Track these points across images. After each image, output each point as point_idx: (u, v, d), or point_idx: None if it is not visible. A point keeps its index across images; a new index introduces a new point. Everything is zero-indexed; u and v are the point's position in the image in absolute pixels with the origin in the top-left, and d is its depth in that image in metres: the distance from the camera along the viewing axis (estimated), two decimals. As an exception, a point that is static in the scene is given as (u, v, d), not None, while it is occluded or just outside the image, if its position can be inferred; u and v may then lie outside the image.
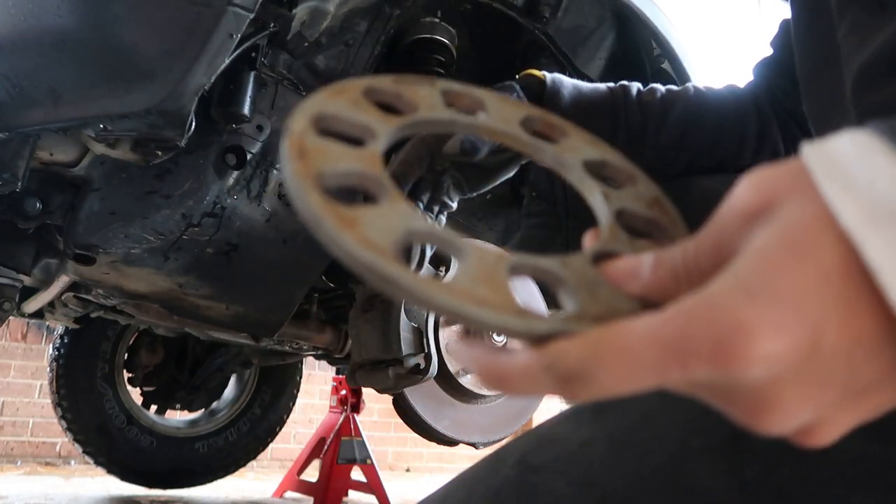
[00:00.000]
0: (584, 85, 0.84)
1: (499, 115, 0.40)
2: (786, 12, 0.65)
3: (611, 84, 0.85)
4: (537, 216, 1.80)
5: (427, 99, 0.39)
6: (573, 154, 0.40)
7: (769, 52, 0.89)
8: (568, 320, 0.29)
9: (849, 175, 0.25)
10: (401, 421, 1.28)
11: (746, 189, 0.27)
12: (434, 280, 0.29)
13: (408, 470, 4.76)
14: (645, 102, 0.84)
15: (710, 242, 0.28)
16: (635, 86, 0.85)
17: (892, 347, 0.24)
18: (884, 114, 0.41)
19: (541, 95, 0.83)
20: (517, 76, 0.86)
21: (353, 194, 0.36)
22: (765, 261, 0.24)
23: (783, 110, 0.85)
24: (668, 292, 0.28)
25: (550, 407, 5.46)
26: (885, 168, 0.24)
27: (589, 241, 0.34)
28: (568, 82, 0.84)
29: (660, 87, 0.86)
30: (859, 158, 0.25)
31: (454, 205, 0.84)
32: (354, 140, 0.34)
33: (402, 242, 0.30)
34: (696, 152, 0.83)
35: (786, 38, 0.85)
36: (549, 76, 0.83)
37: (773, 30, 0.89)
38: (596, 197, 0.38)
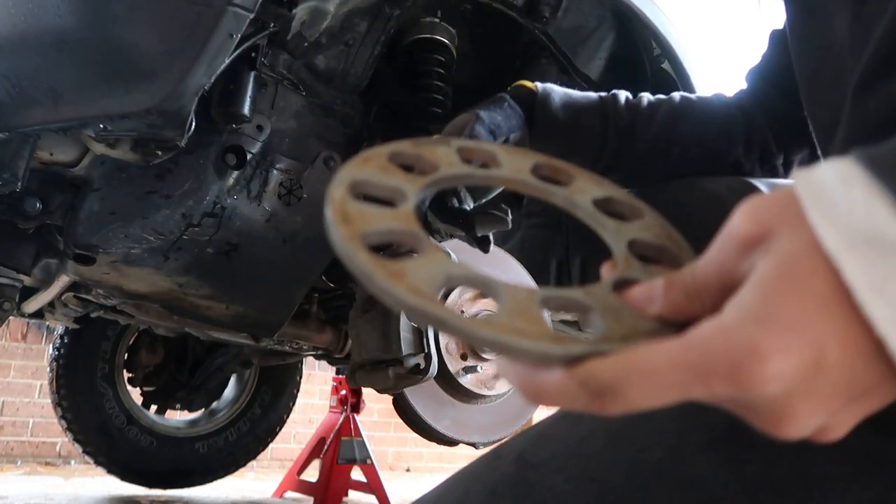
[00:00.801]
0: (575, 92, 0.87)
1: (511, 165, 0.45)
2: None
3: (601, 93, 0.89)
4: (537, 216, 1.81)
5: (445, 157, 0.44)
6: (582, 195, 0.44)
7: (757, 61, 0.92)
8: (598, 342, 0.32)
9: (831, 204, 0.27)
10: (401, 421, 1.28)
11: (744, 218, 0.30)
12: (476, 319, 0.33)
13: (408, 470, 4.76)
14: (633, 104, 0.87)
15: (715, 265, 0.31)
16: (623, 93, 0.89)
17: (881, 356, 0.27)
18: (880, 115, 0.41)
19: (532, 105, 0.85)
20: (508, 88, 0.87)
21: (387, 248, 0.41)
22: (767, 290, 0.27)
23: (771, 115, 0.87)
24: (683, 310, 0.32)
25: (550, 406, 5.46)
26: (862, 197, 0.26)
27: (606, 271, 0.37)
28: (558, 89, 0.87)
29: (647, 94, 0.89)
30: (840, 188, 0.27)
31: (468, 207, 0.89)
32: (387, 201, 0.39)
33: (443, 287, 0.35)
34: (686, 144, 0.85)
35: (774, 49, 0.87)
36: (539, 86, 0.86)
37: (768, 34, 0.91)
38: (608, 231, 0.41)
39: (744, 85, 0.92)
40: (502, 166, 0.45)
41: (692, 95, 0.91)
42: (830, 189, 0.27)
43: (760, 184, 0.74)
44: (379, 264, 0.34)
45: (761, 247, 0.29)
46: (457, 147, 0.45)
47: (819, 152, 0.61)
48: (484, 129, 0.79)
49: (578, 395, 0.30)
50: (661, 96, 0.89)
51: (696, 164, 0.83)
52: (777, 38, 0.88)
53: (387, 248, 0.91)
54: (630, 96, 0.89)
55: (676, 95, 0.90)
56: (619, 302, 0.35)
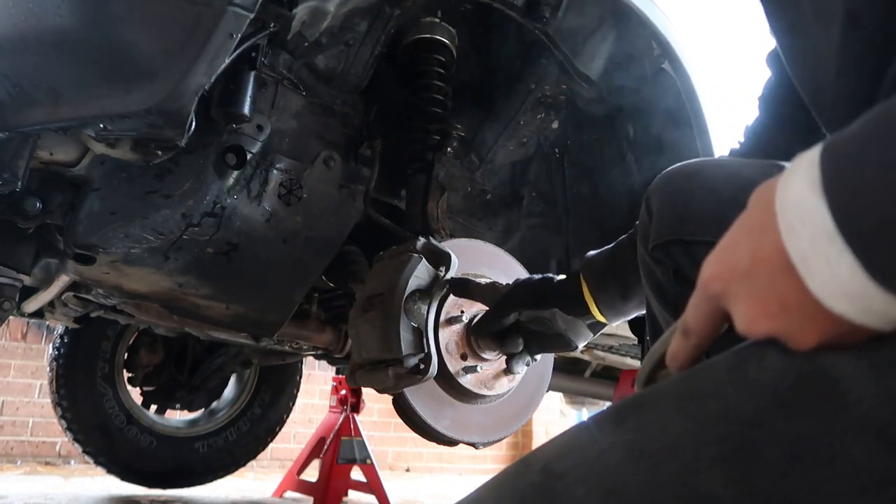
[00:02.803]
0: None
1: None
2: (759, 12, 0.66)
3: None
4: (537, 216, 1.80)
5: None
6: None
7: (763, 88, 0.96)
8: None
9: (789, 177, 0.38)
10: (401, 421, 1.28)
11: (750, 205, 0.42)
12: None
13: (408, 470, 4.76)
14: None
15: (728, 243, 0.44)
16: None
17: (794, 276, 0.36)
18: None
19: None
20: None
21: None
22: (729, 232, 0.42)
23: (796, 128, 0.90)
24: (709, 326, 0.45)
25: (550, 406, 5.46)
26: (803, 172, 0.37)
27: None
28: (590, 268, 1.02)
29: None
30: (803, 164, 0.37)
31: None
32: None
33: None
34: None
35: (774, 70, 0.91)
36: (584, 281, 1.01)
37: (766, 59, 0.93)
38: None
39: (755, 112, 0.95)
40: None
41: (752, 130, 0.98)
42: (798, 167, 0.37)
43: None
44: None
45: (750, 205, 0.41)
46: None
47: None
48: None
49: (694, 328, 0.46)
50: None
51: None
52: (773, 58, 0.90)
53: None
54: None
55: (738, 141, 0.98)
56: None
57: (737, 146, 0.98)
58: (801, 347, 0.37)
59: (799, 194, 0.36)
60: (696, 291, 0.44)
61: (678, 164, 0.83)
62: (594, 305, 1.00)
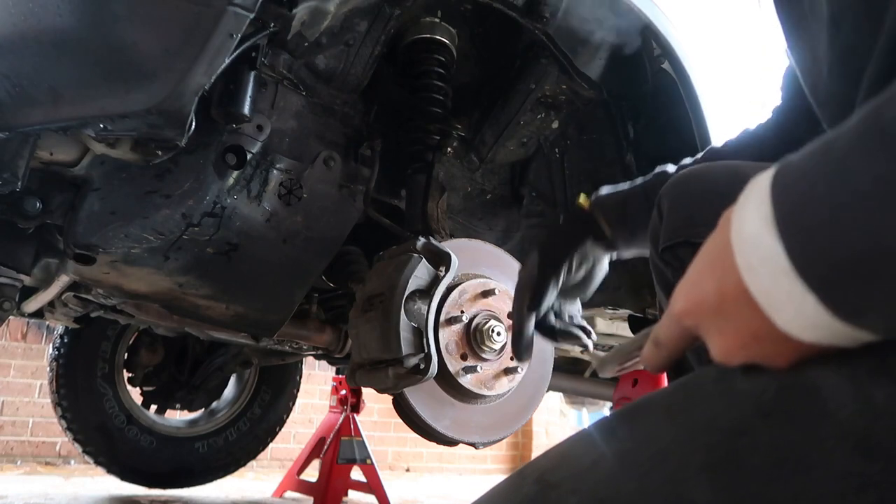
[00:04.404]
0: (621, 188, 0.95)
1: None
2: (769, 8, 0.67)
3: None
4: (537, 216, 1.80)
5: None
6: None
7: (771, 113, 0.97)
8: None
9: (743, 207, 0.39)
10: (401, 421, 1.28)
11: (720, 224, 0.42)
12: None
13: (407, 470, 4.76)
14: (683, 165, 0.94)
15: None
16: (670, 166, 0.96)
17: (761, 312, 0.37)
18: None
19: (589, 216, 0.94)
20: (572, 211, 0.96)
21: None
22: (693, 265, 0.43)
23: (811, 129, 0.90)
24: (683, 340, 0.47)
25: (550, 406, 5.46)
26: (755, 203, 0.37)
27: None
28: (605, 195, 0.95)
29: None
30: (755, 192, 0.38)
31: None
32: None
33: None
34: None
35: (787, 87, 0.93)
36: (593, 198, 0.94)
37: (773, 43, 0.93)
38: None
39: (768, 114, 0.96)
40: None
41: (738, 133, 0.97)
42: (751, 195, 0.38)
43: None
44: None
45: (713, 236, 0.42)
46: None
47: None
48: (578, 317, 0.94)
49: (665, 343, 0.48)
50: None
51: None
52: (789, 77, 0.92)
53: None
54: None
55: (723, 141, 0.97)
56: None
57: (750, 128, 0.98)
58: (778, 367, 0.39)
59: (754, 230, 0.37)
60: (667, 316, 0.45)
61: (690, 167, 0.84)
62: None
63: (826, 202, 0.34)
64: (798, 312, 0.35)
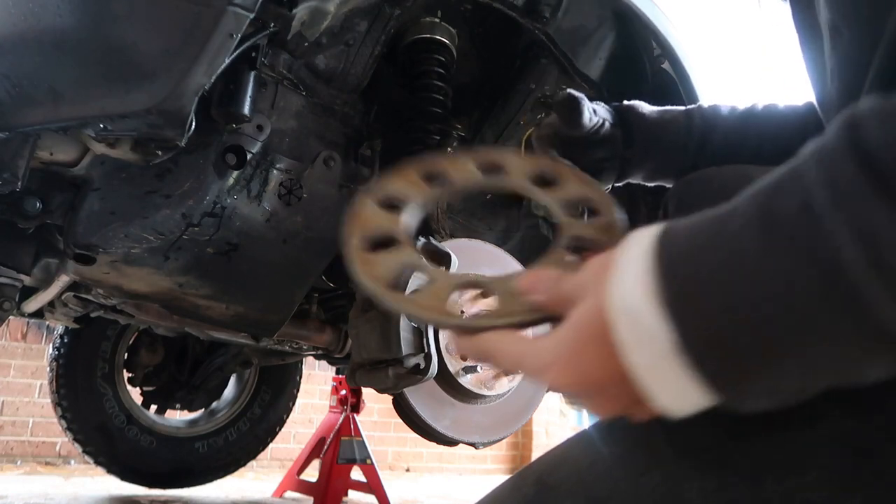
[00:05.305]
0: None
1: (516, 171, 0.57)
2: (785, 12, 0.67)
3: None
4: (538, 216, 1.80)
5: (463, 170, 0.57)
6: (563, 194, 0.54)
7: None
8: (477, 317, 0.45)
9: (621, 274, 0.37)
10: (401, 421, 1.28)
11: (588, 269, 0.41)
12: (403, 296, 0.48)
13: (407, 470, 4.76)
14: (715, 105, 0.94)
15: (573, 289, 0.41)
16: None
17: (637, 384, 0.36)
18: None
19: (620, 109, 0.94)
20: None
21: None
22: (568, 334, 0.40)
23: None
24: (553, 306, 0.42)
25: (550, 406, 5.45)
26: (637, 273, 0.36)
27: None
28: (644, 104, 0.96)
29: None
30: (634, 260, 0.36)
31: None
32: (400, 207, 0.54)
33: (396, 274, 0.49)
34: (761, 140, 0.89)
35: None
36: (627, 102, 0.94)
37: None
38: (561, 227, 0.51)
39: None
40: (508, 171, 0.57)
41: (778, 102, 0.94)
42: (629, 262, 0.37)
43: None
44: (358, 254, 0.49)
45: (589, 288, 0.40)
46: (477, 160, 0.58)
47: None
48: (587, 108, 0.88)
49: (472, 354, 0.45)
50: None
51: (771, 161, 0.84)
52: None
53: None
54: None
55: (761, 103, 0.94)
56: (515, 287, 0.45)
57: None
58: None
59: (636, 305, 0.35)
60: (536, 374, 0.42)
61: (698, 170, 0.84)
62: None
63: (721, 290, 0.33)
64: (681, 395, 0.35)
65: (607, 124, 0.89)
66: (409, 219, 0.54)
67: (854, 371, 0.33)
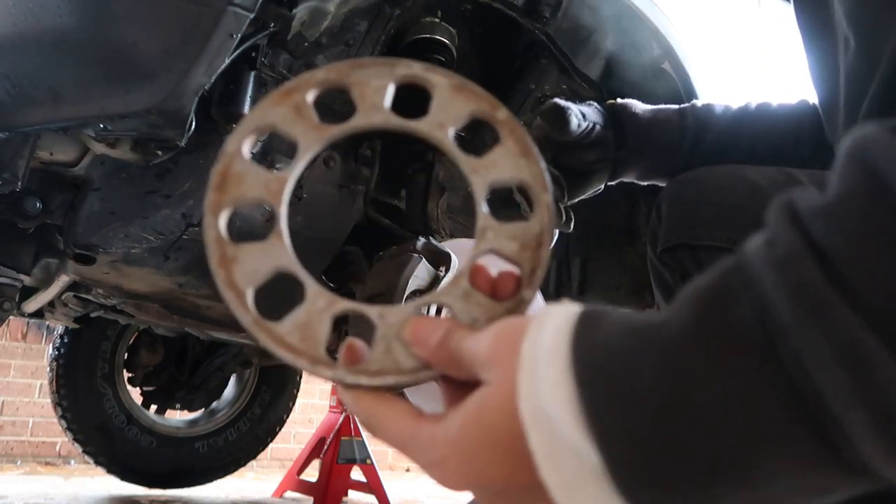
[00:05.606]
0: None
1: (443, 110, 0.42)
2: (786, 12, 0.67)
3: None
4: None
5: (373, 96, 0.41)
6: (493, 172, 0.42)
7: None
8: (349, 371, 0.37)
9: (533, 371, 0.32)
10: (401, 421, 1.28)
11: (489, 339, 0.35)
12: (263, 324, 0.38)
13: (408, 470, 4.76)
14: (708, 104, 0.93)
15: (469, 357, 0.36)
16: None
17: (542, 491, 0.31)
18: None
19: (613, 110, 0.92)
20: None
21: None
22: (466, 426, 0.34)
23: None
24: (444, 367, 0.37)
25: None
26: (553, 380, 0.31)
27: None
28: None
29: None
30: (546, 357, 0.31)
31: None
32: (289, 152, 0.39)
33: (265, 281, 0.38)
34: (754, 140, 0.88)
35: None
36: (620, 100, 0.93)
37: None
38: (478, 230, 0.41)
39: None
40: (433, 109, 0.42)
41: (771, 101, 0.94)
42: (540, 357, 0.32)
43: (804, 176, 0.74)
44: (218, 246, 0.38)
45: (490, 370, 0.35)
46: (398, 76, 0.41)
47: None
48: (575, 115, 0.86)
49: (352, 412, 0.40)
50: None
51: (764, 160, 0.85)
52: None
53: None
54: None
55: (755, 101, 0.94)
56: (402, 332, 0.38)
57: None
58: None
59: (551, 412, 0.30)
60: (428, 468, 0.37)
61: (691, 169, 0.84)
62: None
63: (658, 412, 0.28)
64: None
65: (598, 127, 0.90)
66: (292, 179, 0.40)
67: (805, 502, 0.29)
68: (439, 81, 0.42)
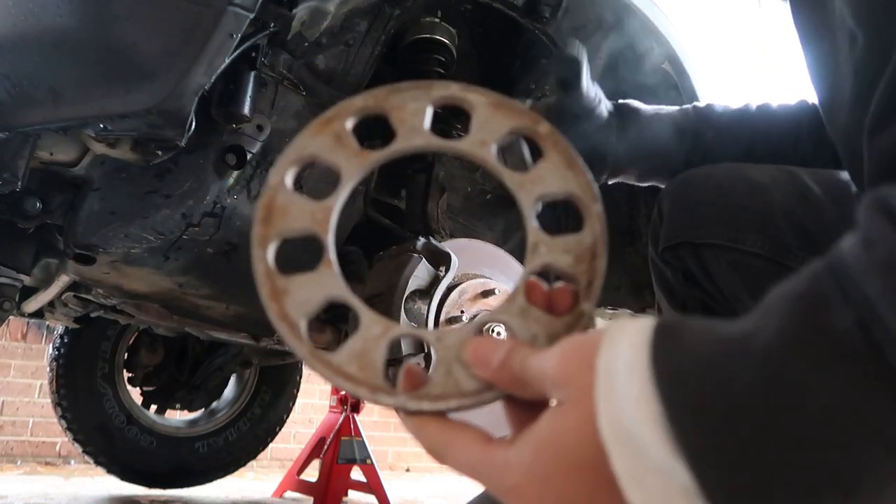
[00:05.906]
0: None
1: (483, 128, 0.41)
2: (785, 12, 0.66)
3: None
4: (536, 217, 1.78)
5: (412, 119, 0.41)
6: (540, 187, 0.41)
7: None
8: (410, 397, 0.36)
9: (612, 388, 0.30)
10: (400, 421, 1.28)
11: (557, 356, 0.34)
12: (320, 355, 0.36)
13: (408, 470, 4.76)
14: (709, 104, 0.93)
15: (537, 375, 0.35)
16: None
17: None
18: (886, 157, 0.42)
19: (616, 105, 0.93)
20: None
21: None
22: (539, 451, 0.32)
23: None
24: (507, 386, 0.36)
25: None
26: (635, 396, 0.29)
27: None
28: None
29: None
30: (625, 377, 0.30)
31: None
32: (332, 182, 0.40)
33: (318, 311, 0.37)
34: (753, 139, 0.88)
35: None
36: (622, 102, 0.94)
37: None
38: (529, 246, 0.40)
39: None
40: (473, 128, 0.41)
41: (771, 102, 0.94)
42: (619, 373, 0.30)
43: (805, 174, 0.74)
44: (268, 279, 0.37)
45: (562, 389, 0.33)
46: (434, 98, 0.41)
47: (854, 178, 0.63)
48: (586, 73, 0.85)
49: (417, 440, 0.37)
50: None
51: (762, 160, 0.84)
52: None
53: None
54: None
55: (755, 102, 0.94)
56: (462, 354, 0.37)
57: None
58: None
59: (636, 431, 0.29)
60: (499, 496, 0.36)
61: (691, 169, 0.84)
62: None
63: (752, 421, 0.27)
64: None
65: (603, 107, 0.89)
66: (338, 207, 0.39)
67: None
68: (478, 100, 0.41)
